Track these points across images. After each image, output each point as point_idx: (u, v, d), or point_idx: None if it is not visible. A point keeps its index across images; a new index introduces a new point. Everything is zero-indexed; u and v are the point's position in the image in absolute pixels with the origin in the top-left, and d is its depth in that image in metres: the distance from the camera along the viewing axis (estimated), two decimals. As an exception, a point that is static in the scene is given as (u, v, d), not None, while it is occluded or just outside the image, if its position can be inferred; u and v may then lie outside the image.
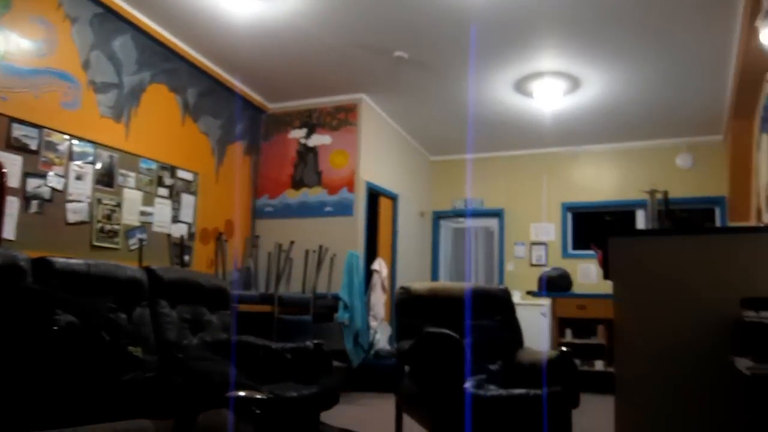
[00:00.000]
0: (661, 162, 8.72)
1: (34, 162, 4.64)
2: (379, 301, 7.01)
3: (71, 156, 4.96)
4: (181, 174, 6.22)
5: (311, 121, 7.53)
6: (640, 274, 2.88)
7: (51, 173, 4.77)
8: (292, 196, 7.46)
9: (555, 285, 7.12)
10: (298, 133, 7.57)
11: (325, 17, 5.48)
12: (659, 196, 3.56)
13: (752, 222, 6.75)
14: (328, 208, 7.25)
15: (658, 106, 7.42)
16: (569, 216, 9.30)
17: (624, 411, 2.83)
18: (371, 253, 7.64)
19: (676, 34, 5.55)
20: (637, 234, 3.20)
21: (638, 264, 2.89)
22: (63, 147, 4.89)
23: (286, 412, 2.99)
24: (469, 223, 9.95)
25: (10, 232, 4.38)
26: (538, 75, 6.60)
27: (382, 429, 4.32)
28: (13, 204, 4.42)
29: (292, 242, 6.76)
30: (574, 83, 6.78)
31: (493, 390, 3.42)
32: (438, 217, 10.07)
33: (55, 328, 1.70)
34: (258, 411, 1.73)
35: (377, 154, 7.84)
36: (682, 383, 2.69)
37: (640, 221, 8.86)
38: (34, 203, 4.64)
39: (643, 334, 2.82)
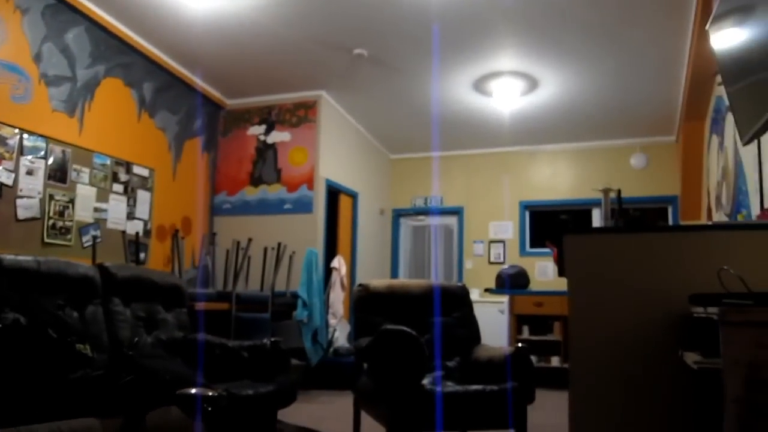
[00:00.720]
0: (616, 162, 8.89)
1: (-18, 156, 4.51)
2: (338, 298, 6.99)
3: (22, 150, 4.83)
4: (136, 170, 6.11)
5: (270, 118, 7.47)
6: (593, 271, 2.93)
7: (0, 168, 4.64)
8: (251, 194, 7.39)
9: (513, 282, 7.21)
10: (257, 130, 7.51)
11: (284, 13, 5.45)
12: (613, 194, 3.62)
13: (703, 220, 6.94)
14: (287, 206, 7.21)
15: (613, 107, 7.57)
16: (527, 214, 9.42)
17: (577, 405, 2.88)
18: (331, 251, 7.62)
19: (630, 36, 5.67)
20: (591, 232, 3.25)
21: (591, 261, 2.94)
22: (13, 141, 4.76)
23: (242, 410, 2.97)
24: (429, 221, 10.00)
25: (-44, 229, 4.25)
26: (496, 74, 6.67)
27: (340, 426, 4.31)
28: (-41, 199, 4.28)
29: (250, 240, 6.70)
30: (532, 83, 6.87)
31: (450, 386, 3.45)
32: (398, 215, 10.10)
33: (0, 325, 1.66)
34: (209, 408, 1.71)
35: (337, 151, 7.82)
36: (634, 377, 2.75)
37: (596, 220, 9.02)
38: (-18, 199, 4.50)
39: (596, 330, 2.87)
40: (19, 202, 4.80)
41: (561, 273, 3.09)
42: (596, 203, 8.84)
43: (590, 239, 3.00)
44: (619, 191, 3.42)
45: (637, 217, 8.85)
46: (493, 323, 7.60)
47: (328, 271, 7.12)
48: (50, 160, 5.10)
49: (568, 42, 5.84)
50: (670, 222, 8.65)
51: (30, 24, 4.91)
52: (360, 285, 4.23)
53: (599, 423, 2.81)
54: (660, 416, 2.69)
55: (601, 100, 7.32)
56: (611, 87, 6.91)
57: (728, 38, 2.83)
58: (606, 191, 3.60)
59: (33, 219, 4.92)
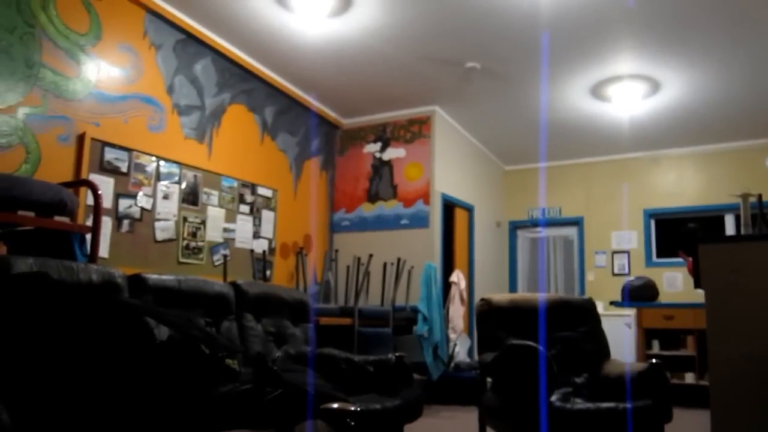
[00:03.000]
0: (749, 164, 8.33)
1: (125, 183, 4.87)
2: (457, 313, 6.96)
3: (158, 176, 5.18)
4: (261, 191, 6.38)
5: (385, 135, 7.59)
6: (734, 281, 2.76)
7: (140, 193, 4.99)
8: (368, 210, 7.53)
9: (639, 294, 6.88)
10: (372, 147, 7.65)
11: (394, 32, 5.54)
12: (753, 199, 3.40)
13: None
14: (404, 221, 7.28)
15: (743, 106, 7.11)
16: (652, 223, 9.00)
17: (719, 425, 2.71)
18: (448, 265, 7.61)
19: (760, 28, 5.30)
20: (730, 240, 3.07)
21: (732, 271, 2.78)
22: (150, 168, 5.11)
23: (371, 423, 3.01)
24: (546, 232, 9.77)
25: (104, 250, 4.60)
26: (615, 79, 6.45)
27: (466, 442, 4.28)
28: (106, 224, 4.64)
29: (370, 255, 6.81)
30: (654, 86, 6.58)
31: (579, 403, 3.34)
32: (514, 227, 9.94)
33: (157, 341, 1.78)
34: (352, 423, 1.75)
35: (451, 165, 7.83)
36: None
37: (729, 226, 8.48)
38: (126, 222, 4.86)
39: (738, 345, 2.70)
40: (156, 224, 5.14)
41: (697, 285, 2.93)
42: (728, 209, 8.33)
43: (729, 248, 2.83)
44: (759, 196, 3.20)
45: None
46: (619, 337, 7.31)
47: (447, 285, 7.12)
48: (183, 185, 5.43)
49: (693, 39, 5.55)
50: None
51: (163, 58, 5.27)
52: (482, 299, 4.19)
53: (746, 445, 2.63)
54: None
55: (729, 99, 6.90)
56: (740, 85, 6.49)
57: None
58: (745, 196, 3.38)
59: (169, 240, 5.25)
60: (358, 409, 1.84)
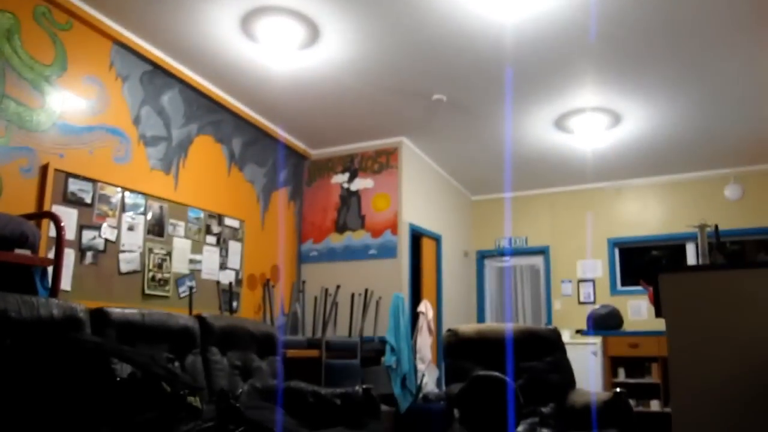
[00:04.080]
0: (709, 194, 8.56)
1: (89, 214, 4.81)
2: (425, 343, 6.96)
3: (123, 208, 5.13)
4: (228, 222, 6.35)
5: (353, 166, 7.63)
6: (694, 310, 2.82)
7: (105, 225, 4.93)
8: (336, 240, 7.53)
9: (605, 323, 6.97)
10: (340, 178, 7.68)
11: (362, 65, 5.61)
12: (709, 229, 3.49)
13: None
14: (372, 251, 7.29)
15: (702, 136, 7.32)
16: (616, 252, 9.15)
17: (684, 453, 2.74)
18: (416, 295, 7.62)
19: (718, 61, 5.49)
20: (688, 270, 3.14)
21: (691, 300, 2.84)
22: (115, 199, 5.06)
23: (337, 458, 2.99)
24: (513, 261, 9.86)
25: (66, 283, 4.52)
26: (577, 111, 6.60)
27: (434, 475, 4.25)
28: (69, 256, 4.56)
29: (338, 286, 6.80)
30: (615, 118, 6.75)
31: (546, 433, 3.36)
32: (482, 256, 10.02)
33: (118, 379, 1.76)
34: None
35: (419, 195, 7.89)
36: (744, 423, 2.61)
37: (690, 255, 8.66)
38: (89, 254, 4.78)
39: (700, 373, 2.75)
40: (121, 256, 5.07)
41: (658, 314, 2.99)
42: (689, 237, 8.51)
43: (688, 277, 2.89)
44: (716, 226, 3.30)
45: (735, 251, 8.46)
46: (585, 366, 7.36)
47: (415, 315, 7.12)
48: (149, 216, 5.38)
49: (652, 72, 5.72)
50: (772, 255, 8.19)
51: (130, 90, 5.26)
52: (449, 330, 4.21)
53: (709, 472, 2.66)
54: (776, 465, 2.53)
55: (689, 130, 7.10)
56: (700, 116, 6.69)
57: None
58: (702, 227, 3.47)
59: (134, 272, 5.18)
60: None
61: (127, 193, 5.17)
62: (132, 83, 5.28)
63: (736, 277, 2.80)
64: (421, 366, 6.85)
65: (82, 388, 1.64)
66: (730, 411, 2.65)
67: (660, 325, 2.92)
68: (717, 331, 2.75)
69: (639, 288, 8.51)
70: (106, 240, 4.94)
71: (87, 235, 4.78)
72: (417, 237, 7.88)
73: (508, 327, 4.25)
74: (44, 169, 4.44)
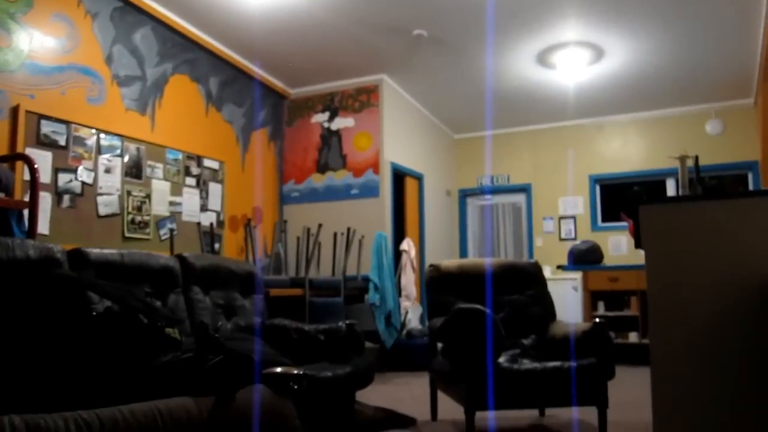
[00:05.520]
0: (690, 129, 8.57)
1: (64, 157, 4.72)
2: (409, 281, 7.03)
3: (99, 150, 5.04)
4: (207, 163, 6.27)
5: (333, 105, 7.53)
6: (673, 242, 2.84)
7: (81, 167, 4.85)
8: (318, 181, 7.49)
9: (585, 258, 7.06)
10: (320, 117, 7.58)
11: (340, 1, 5.46)
12: (690, 162, 3.49)
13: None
14: (354, 191, 7.27)
15: (684, 72, 7.27)
16: (597, 188, 9.20)
17: (661, 381, 2.80)
18: (399, 234, 7.65)
19: (701, -3, 5.42)
20: (669, 201, 3.15)
21: (670, 232, 2.85)
22: (91, 141, 4.96)
23: (321, 391, 3.03)
24: (495, 199, 9.89)
25: (44, 227, 4.47)
26: (560, 46, 6.51)
27: (417, 406, 4.35)
28: (45, 199, 4.50)
29: (320, 226, 6.79)
30: (598, 53, 6.67)
31: (527, 364, 3.42)
32: (464, 195, 10.03)
33: (94, 313, 1.74)
34: (295, 386, 1.76)
35: (401, 134, 7.82)
36: (720, 351, 2.66)
37: (671, 190, 8.73)
38: (66, 198, 4.72)
39: (678, 303, 2.78)
40: (99, 199, 5.01)
41: (638, 245, 3.01)
42: (670, 173, 8.56)
43: (668, 209, 2.90)
44: (696, 158, 3.29)
45: (714, 185, 8.54)
46: (567, 300, 7.50)
47: (398, 253, 7.16)
48: (126, 158, 5.29)
49: (634, 8, 5.63)
50: (751, 188, 8.28)
51: (100, 27, 5.09)
52: (431, 266, 4.23)
53: (683, 399, 2.73)
54: (748, 390, 2.60)
55: (671, 65, 7.05)
56: (682, 51, 6.63)
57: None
58: (682, 158, 3.47)
59: (113, 215, 5.13)
60: (301, 372, 1.85)
61: (102, 135, 5.07)
62: (102, 20, 5.11)
63: (715, 209, 2.80)
64: (406, 303, 6.93)
65: (59, 322, 1.63)
66: (707, 342, 2.70)
67: (639, 259, 2.95)
68: (696, 262, 2.77)
69: (619, 224, 8.60)
70: (83, 183, 4.87)
71: (63, 178, 4.70)
72: (399, 176, 7.86)
73: (489, 261, 4.28)
74: (15, 111, 4.33)
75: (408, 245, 7.13)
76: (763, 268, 2.56)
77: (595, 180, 9.17)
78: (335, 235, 6.87)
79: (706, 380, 2.69)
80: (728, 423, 2.62)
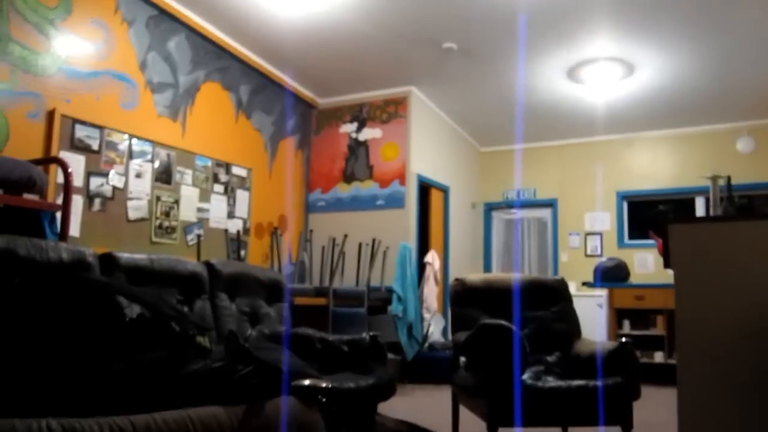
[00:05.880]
0: (721, 147, 8.46)
1: (97, 161, 4.80)
2: (431, 293, 7.01)
3: (131, 155, 5.11)
4: (235, 170, 6.33)
5: (361, 115, 7.56)
6: (703, 262, 2.80)
7: (112, 172, 4.93)
8: (344, 190, 7.51)
9: (611, 275, 6.99)
10: (348, 128, 7.62)
11: (372, 12, 5.50)
12: (722, 181, 3.45)
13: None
14: (379, 201, 7.28)
15: (716, 89, 7.19)
16: (624, 205, 9.11)
17: (687, 403, 2.76)
18: (423, 246, 7.65)
19: (733, 12, 5.36)
20: (699, 221, 3.11)
21: (700, 252, 2.82)
22: (123, 146, 5.04)
23: (344, 402, 3.03)
24: (521, 213, 9.84)
25: (75, 229, 4.54)
26: (590, 61, 6.48)
27: (439, 419, 4.33)
28: (77, 202, 4.58)
29: (345, 236, 6.81)
30: (628, 68, 6.63)
31: (551, 381, 3.39)
32: (489, 208, 10.00)
33: (127, 319, 1.77)
34: (324, 399, 1.76)
35: (427, 146, 7.83)
36: (748, 373, 2.62)
37: (699, 208, 8.61)
38: (97, 201, 4.79)
39: (706, 324, 2.75)
40: (129, 203, 5.08)
41: (666, 265, 2.98)
42: (699, 191, 8.45)
43: (698, 228, 2.87)
44: (728, 178, 3.25)
45: (743, 204, 8.42)
46: (591, 317, 7.41)
47: (422, 265, 7.15)
48: (156, 163, 5.36)
49: (666, 23, 5.59)
50: (782, 210, 8.14)
51: (136, 34, 5.18)
52: (456, 279, 4.22)
53: (710, 420, 2.68)
54: (778, 414, 2.55)
55: (703, 81, 6.97)
56: (714, 67, 6.56)
57: None
58: (714, 178, 3.43)
59: (142, 219, 5.20)
60: (330, 386, 1.85)
61: (134, 140, 5.14)
62: (138, 28, 5.20)
63: (746, 229, 2.76)
64: (426, 315, 6.91)
65: (92, 326, 1.65)
66: (736, 365, 2.65)
67: (666, 278, 2.92)
68: (725, 282, 2.73)
69: (646, 241, 8.51)
70: (114, 187, 4.94)
71: (95, 182, 4.78)
72: (425, 188, 7.86)
73: (516, 276, 4.25)
74: (51, 115, 4.42)
75: (432, 257, 7.12)
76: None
77: (623, 196, 9.08)
78: (360, 245, 6.89)
79: (733, 404, 2.64)
80: (757, 449, 2.57)
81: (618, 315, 6.84)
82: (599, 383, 3.28)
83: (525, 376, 3.36)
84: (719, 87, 7.12)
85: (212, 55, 6.05)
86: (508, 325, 3.27)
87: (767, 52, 6.12)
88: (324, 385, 1.85)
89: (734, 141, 8.38)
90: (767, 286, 2.63)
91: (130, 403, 1.46)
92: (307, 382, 1.81)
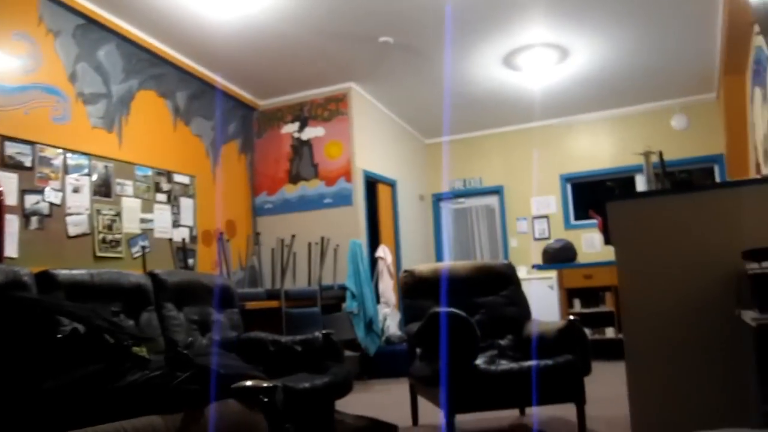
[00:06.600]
0: (657, 125, 8.69)
1: (30, 178, 4.65)
2: (387, 287, 7.03)
3: (66, 169, 4.97)
4: (177, 178, 6.22)
5: (303, 115, 7.52)
6: (641, 236, 2.88)
7: (48, 188, 4.78)
8: (291, 191, 7.47)
9: (559, 257, 7.13)
10: (290, 128, 7.57)
11: (305, 11, 5.46)
12: (654, 157, 3.55)
13: (752, 176, 6.74)
14: (327, 200, 7.26)
15: (648, 69, 7.39)
16: (569, 187, 9.29)
17: (635, 374, 2.84)
18: (374, 241, 7.66)
19: (659, -5, 5.52)
20: (635, 196, 3.20)
21: (638, 227, 2.89)
22: (57, 161, 4.89)
23: (300, 403, 3.01)
24: (468, 202, 9.93)
25: (12, 250, 4.39)
26: (526, 48, 6.57)
27: (398, 412, 4.34)
28: (12, 222, 4.43)
29: (293, 236, 6.77)
30: (563, 53, 6.75)
31: (504, 364, 3.44)
32: (438, 199, 10.07)
33: (59, 336, 1.72)
34: (266, 399, 1.75)
35: (372, 141, 7.84)
36: (690, 341, 2.70)
37: (640, 186, 8.85)
38: (34, 219, 4.65)
39: (648, 296, 2.83)
40: (68, 219, 4.94)
41: (607, 241, 3.05)
42: (640, 170, 8.66)
43: (635, 204, 2.94)
44: (660, 153, 3.35)
45: (684, 179, 8.68)
46: (544, 299, 7.53)
47: (374, 261, 7.16)
48: (94, 177, 5.23)
49: (597, 7, 5.71)
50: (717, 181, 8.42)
51: (62, 45, 5.03)
52: (405, 271, 4.24)
53: (658, 390, 2.76)
54: (720, 378, 2.64)
55: (635, 63, 7.15)
56: (645, 49, 6.74)
57: (761, -15, 2.74)
58: (647, 154, 3.53)
59: (83, 235, 5.06)
60: (271, 385, 1.84)
61: (69, 154, 5.00)
62: (65, 38, 5.06)
63: (680, 202, 2.85)
64: (386, 310, 6.93)
65: (21, 345, 1.60)
66: (677, 333, 2.74)
67: (611, 256, 2.98)
68: (663, 255, 2.81)
69: (592, 221, 8.69)
70: (51, 203, 4.80)
71: (30, 200, 4.63)
72: (372, 183, 7.86)
73: (464, 264, 4.30)
74: (-23, 133, 4.26)
75: (384, 252, 7.13)
76: (729, 257, 2.60)
77: (567, 179, 9.26)
78: (309, 245, 6.85)
79: (678, 370, 2.73)
80: (701, 410, 2.66)
81: (569, 295, 6.98)
82: (550, 362, 3.34)
83: (478, 361, 3.40)
84: (650, 67, 7.32)
85: (145, 63, 5.93)
86: (458, 312, 3.31)
87: (694, 31, 6.31)
88: (265, 384, 1.83)
89: (669, 119, 8.62)
90: (703, 255, 2.72)
91: (65, 420, 1.42)
92: (248, 383, 1.79)
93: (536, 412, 4.26)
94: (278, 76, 6.98)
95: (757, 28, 4.63)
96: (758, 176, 5.69)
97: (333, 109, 7.37)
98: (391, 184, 8.44)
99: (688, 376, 2.71)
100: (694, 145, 8.45)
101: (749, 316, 2.23)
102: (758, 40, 5.20)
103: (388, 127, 8.51)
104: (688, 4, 5.71)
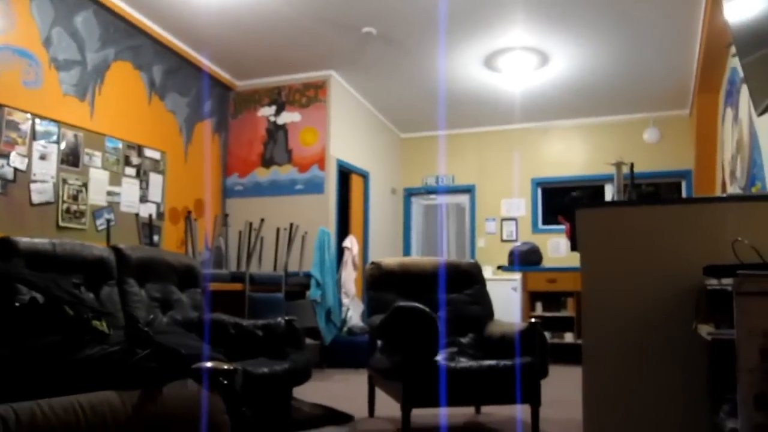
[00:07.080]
0: (629, 136, 8.81)
1: (-4, 142, 4.54)
2: (350, 278, 7.02)
3: (34, 135, 4.86)
4: (148, 153, 6.13)
5: (280, 99, 7.46)
6: (607, 245, 2.92)
7: (14, 153, 4.67)
8: (263, 175, 7.41)
9: (525, 259, 7.20)
10: (267, 111, 7.50)
11: (292, -8, 5.41)
12: (625, 168, 3.60)
13: (718, 194, 6.87)
14: (298, 186, 7.22)
15: (625, 81, 7.48)
16: (539, 191, 9.38)
17: (591, 379, 2.88)
18: (343, 231, 7.64)
19: (642, 9, 5.58)
20: (603, 205, 3.24)
21: (604, 235, 2.93)
22: (25, 126, 4.78)
23: (257, 387, 3.00)
24: (439, 199, 9.97)
25: (-28, 214, 4.29)
26: (506, 50, 6.60)
27: (355, 403, 4.35)
28: (-26, 185, 4.33)
29: (262, 220, 6.72)
30: (543, 58, 6.80)
31: (464, 362, 3.46)
32: (409, 194, 10.08)
33: (17, 304, 1.68)
34: (225, 381, 1.73)
35: (348, 131, 7.81)
36: (647, 350, 2.75)
37: (609, 195, 8.96)
38: (-3, 184, 4.54)
39: (609, 304, 2.86)
40: (33, 186, 4.84)
41: (574, 248, 3.09)
42: (609, 179, 8.76)
43: (603, 213, 2.98)
44: (631, 165, 3.40)
45: (650, 192, 8.82)
46: (507, 301, 7.60)
47: (341, 250, 7.15)
48: (62, 145, 5.12)
49: (580, 15, 5.76)
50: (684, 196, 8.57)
51: (38, 8, 4.91)
52: (372, 263, 4.24)
53: (612, 396, 2.81)
54: (673, 388, 2.69)
55: (613, 74, 7.24)
56: (623, 61, 6.83)
57: (742, 9, 2.79)
58: (619, 165, 3.58)
59: (47, 203, 4.96)
60: (231, 367, 1.82)
61: (37, 120, 4.90)
62: (41, 1, 4.94)
63: (647, 214, 2.89)
64: (345, 300, 6.92)
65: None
66: (636, 341, 2.78)
67: (576, 262, 3.01)
68: (628, 265, 2.85)
69: (559, 226, 8.78)
70: (16, 169, 4.70)
71: (-6, 163, 4.52)
72: (345, 173, 7.84)
73: (431, 260, 4.32)
74: (-57, 91, 4.15)
75: (351, 242, 7.13)
76: (691, 271, 2.65)
77: (538, 183, 9.34)
78: (278, 230, 6.81)
79: (634, 377, 2.77)
80: (655, 418, 2.71)
81: (531, 298, 7.06)
82: (508, 363, 3.37)
83: (439, 357, 3.42)
84: (627, 79, 7.41)
85: (123, 33, 5.82)
86: (422, 308, 3.32)
87: (673, 48, 6.41)
88: (225, 366, 1.82)
89: (641, 131, 8.74)
90: (666, 267, 2.77)
91: (18, 390, 1.39)
92: (208, 364, 1.77)
93: (492, 411, 4.30)
94: (258, 58, 6.91)
95: (733, 49, 4.71)
96: (723, 194, 5.81)
97: (311, 95, 7.32)
98: (364, 176, 8.43)
99: (643, 385, 2.75)
100: (665, 158, 8.59)
101: (705, 330, 2.27)
102: (733, 62, 5.30)
103: (365, 118, 8.49)
104: (668, 21, 5.79)
